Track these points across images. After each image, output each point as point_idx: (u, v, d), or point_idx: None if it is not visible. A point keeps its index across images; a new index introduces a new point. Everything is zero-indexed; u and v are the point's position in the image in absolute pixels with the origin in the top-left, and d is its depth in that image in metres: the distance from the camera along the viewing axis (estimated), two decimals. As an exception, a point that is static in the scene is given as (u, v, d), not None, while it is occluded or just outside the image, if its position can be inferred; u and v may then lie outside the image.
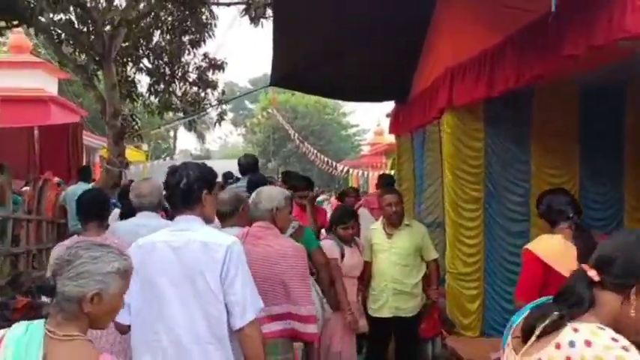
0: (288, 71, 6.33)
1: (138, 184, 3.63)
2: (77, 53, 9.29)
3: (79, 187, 6.59)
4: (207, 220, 2.41)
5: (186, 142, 77.75)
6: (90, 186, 6.58)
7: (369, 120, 67.10)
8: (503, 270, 4.41)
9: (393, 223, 4.04)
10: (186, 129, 14.85)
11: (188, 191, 2.28)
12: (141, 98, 10.97)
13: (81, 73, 8.62)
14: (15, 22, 6.97)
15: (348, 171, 25.03)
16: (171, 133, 44.27)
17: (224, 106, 11.93)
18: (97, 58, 8.17)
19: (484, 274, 4.40)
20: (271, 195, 2.91)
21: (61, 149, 8.02)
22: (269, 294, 2.72)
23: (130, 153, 21.29)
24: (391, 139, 26.64)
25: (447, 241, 4.44)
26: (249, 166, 5.31)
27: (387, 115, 8.34)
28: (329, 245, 3.85)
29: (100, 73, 9.54)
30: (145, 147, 25.97)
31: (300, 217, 4.16)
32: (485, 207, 4.40)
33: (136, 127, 9.52)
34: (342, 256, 3.86)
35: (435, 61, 4.89)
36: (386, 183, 5.69)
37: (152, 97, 11.02)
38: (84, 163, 9.36)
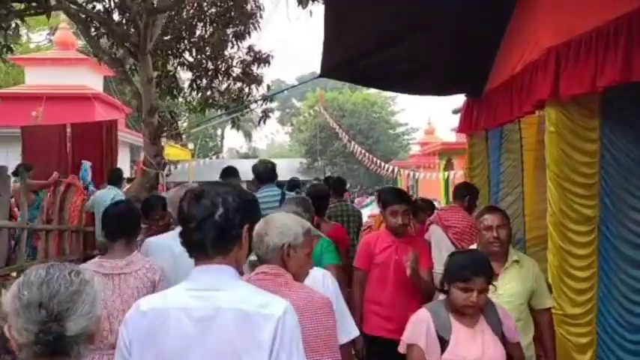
0: (341, 61, 5.45)
1: (175, 194, 3.16)
2: (115, 46, 8.72)
3: (108, 193, 5.95)
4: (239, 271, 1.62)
5: (233, 141, 78.28)
6: (119, 192, 5.91)
7: (419, 119, 65.29)
8: (623, 311, 3.37)
9: (496, 256, 2.82)
10: (231, 127, 14.25)
11: (226, 227, 1.54)
12: (182, 94, 10.34)
13: (117, 67, 8.03)
14: (34, 5, 6.37)
15: (398, 171, 23.91)
16: (219, 132, 44.35)
17: (270, 104, 11.16)
18: (132, 50, 7.52)
19: (598, 317, 3.38)
20: (284, 225, 2.04)
21: (94, 148, 7.43)
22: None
23: (176, 152, 21.03)
24: (445, 138, 25.48)
25: (549, 273, 3.44)
26: (265, 174, 4.40)
27: (454, 112, 7.32)
28: (415, 325, 2.34)
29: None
30: (190, 146, 25.75)
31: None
32: (601, 229, 3.38)
33: (175, 124, 8.87)
34: (444, 343, 2.27)
35: (527, 41, 3.88)
36: (461, 195, 4.60)
37: (194, 94, 10.41)
38: (118, 164, 8.76)
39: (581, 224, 3.35)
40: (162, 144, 8.30)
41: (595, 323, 3.37)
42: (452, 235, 4.11)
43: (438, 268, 4.06)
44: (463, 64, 5.13)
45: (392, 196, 3.53)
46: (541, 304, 2.91)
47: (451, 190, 19.16)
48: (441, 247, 3.97)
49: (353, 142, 25.47)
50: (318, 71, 5.81)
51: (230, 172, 5.12)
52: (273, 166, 4.53)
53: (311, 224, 2.46)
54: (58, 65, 15.01)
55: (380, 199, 3.76)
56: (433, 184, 21.56)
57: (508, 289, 2.80)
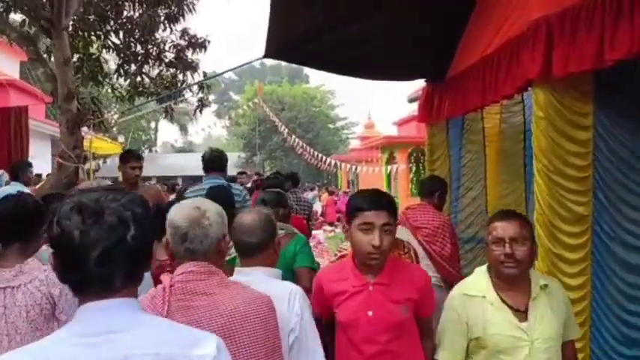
0: (290, 40, 4.82)
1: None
2: (27, 23, 7.64)
3: (10, 189, 5.02)
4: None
5: (167, 134, 75.75)
6: (25, 189, 4.99)
7: (358, 113, 65.56)
8: (618, 323, 2.96)
9: (514, 283, 1.99)
10: (161, 116, 13.21)
11: (140, 250, 1.17)
12: (108, 80, 9.34)
13: (28, 46, 6.98)
14: None
15: (339, 166, 23.55)
16: (152, 125, 42.45)
17: (206, 92, 10.31)
18: (45, 27, 6.54)
19: (591, 329, 2.96)
20: (221, 213, 1.75)
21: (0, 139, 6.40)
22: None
23: (105, 145, 19.63)
24: (387, 131, 25.36)
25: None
26: (210, 162, 4.04)
27: (411, 100, 6.82)
28: None
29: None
30: (121, 139, 24.22)
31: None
32: (595, 230, 2.95)
33: (98, 113, 7.88)
34: None
35: (506, 15, 3.41)
36: (430, 190, 3.88)
37: (121, 80, 9.44)
38: (37, 159, 7.72)
39: (573, 224, 2.91)
40: (83, 134, 7.35)
41: (588, 337, 2.95)
42: (422, 238, 3.56)
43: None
44: (424, 46, 4.63)
45: (363, 199, 2.06)
46: (567, 335, 2.06)
47: (394, 183, 19.01)
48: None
49: (293, 136, 24.88)
50: (257, 64, 5.16)
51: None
52: (221, 154, 4.12)
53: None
54: (-35, 47, 13.43)
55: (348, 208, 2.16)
56: (375, 178, 21.33)
57: (545, 330, 1.93)
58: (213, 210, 1.71)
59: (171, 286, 1.57)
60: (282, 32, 4.66)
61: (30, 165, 5.45)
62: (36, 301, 2.13)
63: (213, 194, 3.41)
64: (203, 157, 4.09)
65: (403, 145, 18.42)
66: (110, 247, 1.09)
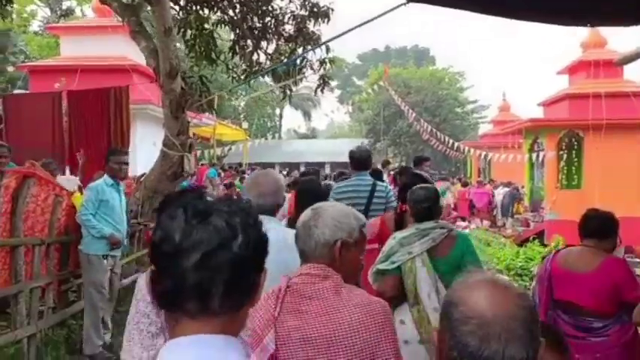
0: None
1: (256, 179, 2.66)
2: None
3: (102, 185, 4.11)
4: None
5: (291, 121, 77.02)
6: (119, 185, 4.04)
7: (489, 95, 60.96)
8: None
9: None
10: (282, 98, 12.19)
11: (247, 266, 1.05)
12: (222, 59, 8.41)
13: (129, 17, 6.17)
14: None
15: (467, 152, 21.37)
16: (277, 111, 42.74)
17: (328, 71, 9.01)
18: (144, -9, 5.65)
19: None
20: (339, 218, 1.65)
21: (98, 123, 5.64)
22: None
23: (230, 132, 19.34)
24: (525, 114, 22.50)
25: None
26: (359, 161, 4.27)
27: (620, 63, 4.90)
28: None
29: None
30: (244, 125, 24.06)
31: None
32: None
33: (206, 93, 6.93)
34: None
35: None
36: None
37: (236, 59, 8.50)
38: (152, 143, 6.96)
39: None
40: (207, 120, 6.43)
41: None
42: None
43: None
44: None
45: None
46: None
47: (538, 173, 16.38)
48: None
49: (421, 121, 23.10)
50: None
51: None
52: (369, 153, 4.41)
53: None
54: (94, 34, 13.49)
55: None
56: (512, 167, 18.85)
57: None
58: (328, 213, 1.69)
59: (287, 287, 1.59)
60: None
61: (115, 153, 4.49)
62: None
63: (304, 184, 3.59)
64: (351, 155, 4.29)
65: (552, 130, 15.81)
66: (212, 252, 0.97)
